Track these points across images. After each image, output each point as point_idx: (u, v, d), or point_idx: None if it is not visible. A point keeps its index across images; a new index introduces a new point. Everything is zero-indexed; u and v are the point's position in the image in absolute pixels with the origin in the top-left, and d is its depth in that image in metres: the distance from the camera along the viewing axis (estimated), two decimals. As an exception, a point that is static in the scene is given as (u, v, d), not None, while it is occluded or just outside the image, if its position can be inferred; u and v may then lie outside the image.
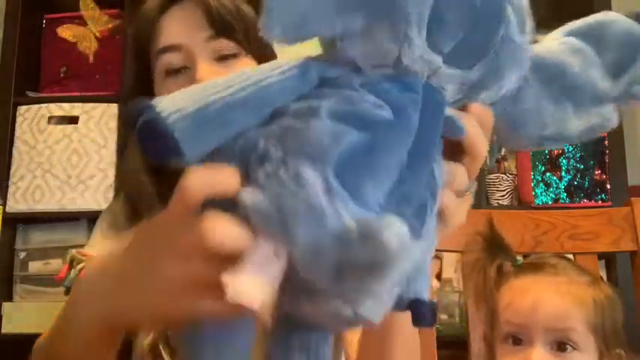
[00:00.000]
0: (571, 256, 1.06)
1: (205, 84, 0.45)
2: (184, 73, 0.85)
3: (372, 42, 0.44)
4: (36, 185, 1.95)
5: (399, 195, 0.41)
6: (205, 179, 0.42)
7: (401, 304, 0.45)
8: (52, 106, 2.00)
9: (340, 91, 0.43)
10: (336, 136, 0.40)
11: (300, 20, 0.42)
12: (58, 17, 2.10)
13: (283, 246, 0.39)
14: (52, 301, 1.88)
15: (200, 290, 0.42)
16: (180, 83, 0.83)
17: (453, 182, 0.51)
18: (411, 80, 0.44)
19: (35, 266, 1.98)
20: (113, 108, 1.99)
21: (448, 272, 1.81)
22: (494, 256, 0.94)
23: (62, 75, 2.09)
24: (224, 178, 0.41)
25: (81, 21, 2.07)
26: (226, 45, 0.85)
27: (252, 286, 0.38)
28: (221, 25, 0.84)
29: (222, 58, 0.85)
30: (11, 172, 1.97)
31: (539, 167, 1.88)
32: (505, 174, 1.95)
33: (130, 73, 0.92)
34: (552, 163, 1.88)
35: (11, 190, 1.96)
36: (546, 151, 1.88)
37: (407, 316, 0.51)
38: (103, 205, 1.88)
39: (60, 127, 1.98)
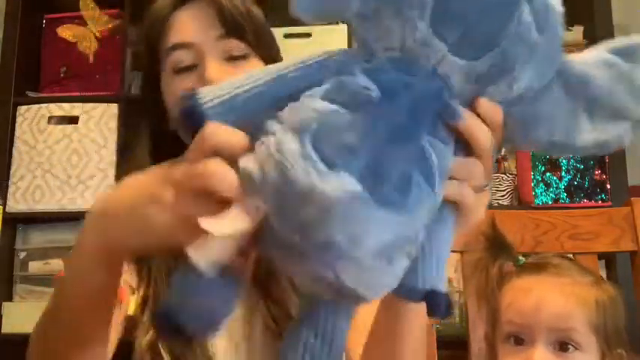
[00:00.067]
0: (571, 256, 1.06)
1: (241, 77, 0.51)
2: (193, 71, 0.85)
3: (380, 23, 0.48)
4: (36, 185, 1.95)
5: (376, 167, 0.44)
6: (221, 132, 0.48)
7: (416, 294, 0.48)
8: (52, 106, 2.00)
9: (339, 77, 0.48)
10: (320, 112, 0.45)
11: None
12: (58, 17, 2.10)
13: (261, 204, 0.44)
14: (52, 301, 1.88)
15: (185, 219, 0.47)
16: (188, 81, 0.84)
17: (471, 177, 0.52)
18: (414, 65, 0.47)
19: (35, 266, 1.98)
20: (113, 108, 1.99)
21: (448, 272, 1.81)
22: (496, 256, 0.94)
23: (62, 75, 2.09)
24: (235, 138, 0.48)
25: (81, 21, 2.07)
26: (236, 45, 0.85)
27: (223, 223, 0.44)
28: (232, 26, 0.85)
29: (232, 58, 0.85)
30: (11, 172, 1.97)
31: (539, 167, 1.88)
32: (505, 174, 1.95)
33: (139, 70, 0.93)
34: (552, 163, 1.88)
35: (11, 190, 1.96)
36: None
37: (417, 315, 0.52)
38: (103, 205, 1.88)
39: (60, 127, 1.98)
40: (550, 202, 1.86)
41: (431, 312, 0.50)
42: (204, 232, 0.44)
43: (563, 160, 1.87)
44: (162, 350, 0.80)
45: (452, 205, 0.53)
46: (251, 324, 0.85)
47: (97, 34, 2.07)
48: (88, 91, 2.04)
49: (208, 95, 0.49)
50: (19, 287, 1.97)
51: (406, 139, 0.46)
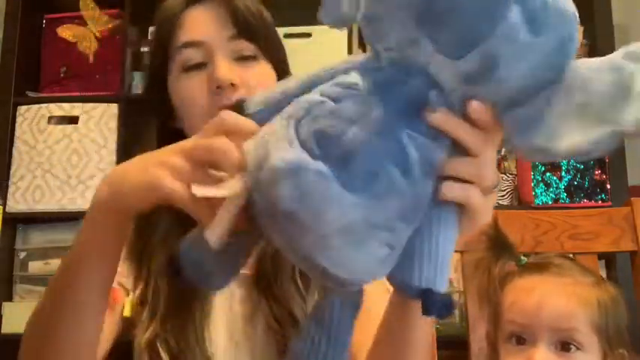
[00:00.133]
0: (571, 256, 1.06)
1: (280, 84, 0.59)
2: (202, 69, 0.85)
3: (379, 25, 0.51)
4: (36, 185, 1.95)
5: (349, 153, 0.48)
6: (236, 117, 0.57)
7: (411, 290, 0.50)
8: (52, 106, 2.00)
9: (338, 78, 0.53)
10: (309, 102, 0.51)
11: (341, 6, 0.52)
12: (58, 17, 2.10)
13: (248, 179, 0.50)
14: (52, 301, 1.88)
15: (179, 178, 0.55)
16: (197, 79, 0.85)
17: (478, 179, 0.52)
18: (407, 64, 0.50)
19: (35, 266, 1.98)
20: (113, 108, 1.99)
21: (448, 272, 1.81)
22: (498, 256, 0.94)
23: (62, 75, 2.09)
24: (245, 124, 0.56)
25: (81, 21, 2.07)
26: (246, 46, 0.86)
27: (211, 190, 0.51)
28: (244, 27, 0.86)
29: (241, 59, 0.86)
30: (11, 172, 1.97)
31: (539, 167, 1.88)
32: (505, 174, 1.95)
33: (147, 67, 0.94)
34: (552, 163, 1.88)
35: (11, 190, 1.96)
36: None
37: (426, 322, 0.53)
38: (103, 205, 1.88)
39: (60, 127, 1.98)
40: (550, 202, 1.86)
41: (425, 311, 0.51)
42: (203, 200, 0.52)
43: (563, 160, 1.87)
44: (160, 349, 0.80)
45: (456, 205, 0.53)
46: (253, 323, 0.85)
47: (97, 34, 2.07)
48: (88, 91, 2.04)
49: (254, 102, 0.59)
50: (19, 287, 1.97)
51: (384, 131, 0.48)
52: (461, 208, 0.53)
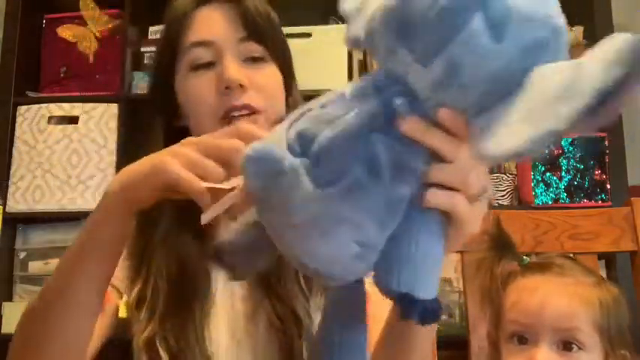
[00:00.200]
0: (572, 257, 1.06)
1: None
2: (210, 68, 0.86)
3: (371, 39, 0.54)
4: (36, 185, 1.95)
5: (324, 153, 0.52)
6: (251, 127, 0.64)
7: (390, 294, 0.52)
8: (52, 106, 2.00)
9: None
10: (306, 108, 0.57)
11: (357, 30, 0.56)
12: (58, 17, 2.10)
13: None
14: (52, 301, 1.88)
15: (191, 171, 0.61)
16: (205, 78, 0.85)
17: (464, 187, 0.52)
18: (390, 75, 0.53)
19: (35, 266, 1.98)
20: (113, 108, 1.99)
21: (448, 272, 1.81)
22: (501, 255, 0.94)
23: (62, 75, 2.09)
24: (260, 133, 0.62)
25: (81, 21, 2.07)
26: (255, 48, 0.87)
27: (217, 185, 0.59)
28: (254, 29, 0.87)
29: (249, 60, 0.87)
30: (11, 172, 1.97)
31: (539, 167, 1.88)
32: (505, 174, 1.95)
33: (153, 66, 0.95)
34: (552, 163, 1.88)
35: (11, 190, 1.96)
36: (546, 151, 1.88)
37: (430, 328, 0.54)
38: (103, 205, 1.88)
39: (60, 127, 1.98)
40: (550, 202, 1.86)
41: (401, 314, 0.52)
42: (203, 189, 0.59)
43: (563, 160, 1.87)
44: (159, 348, 0.80)
45: (443, 215, 0.53)
46: (255, 321, 0.85)
47: (97, 34, 2.07)
48: (88, 91, 2.04)
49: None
50: (19, 287, 1.97)
51: (356, 134, 0.51)
52: (447, 218, 0.53)
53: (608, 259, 1.72)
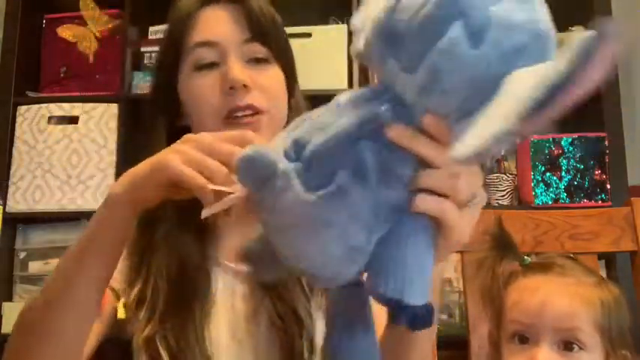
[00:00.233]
0: (572, 257, 1.06)
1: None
2: (213, 69, 0.86)
3: (369, 50, 0.56)
4: (36, 185, 1.95)
5: (315, 158, 0.53)
6: (255, 136, 0.66)
7: (378, 298, 0.52)
8: (52, 106, 2.00)
9: None
10: (304, 117, 0.59)
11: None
12: (58, 17, 2.10)
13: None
14: (52, 301, 1.88)
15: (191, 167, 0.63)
16: (208, 78, 0.86)
17: (453, 192, 0.52)
18: (381, 83, 0.56)
19: (35, 266, 1.98)
20: (113, 108, 1.99)
21: (448, 272, 1.81)
22: (502, 255, 0.94)
23: (62, 75, 2.09)
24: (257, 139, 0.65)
25: (81, 21, 2.07)
26: (259, 49, 0.88)
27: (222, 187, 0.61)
28: (259, 30, 0.87)
29: (253, 61, 0.87)
30: (11, 172, 1.97)
31: (539, 167, 1.88)
32: (505, 174, 1.95)
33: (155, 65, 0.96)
34: (552, 163, 1.88)
35: (11, 190, 1.96)
36: (546, 151, 1.88)
37: (424, 332, 0.54)
38: (103, 205, 1.88)
39: (60, 127, 1.98)
40: (550, 202, 1.86)
41: (393, 320, 0.52)
42: (205, 184, 0.61)
43: (563, 160, 1.87)
44: (159, 347, 0.80)
45: (432, 221, 0.53)
46: (255, 321, 0.85)
47: (97, 34, 2.07)
48: (88, 91, 2.04)
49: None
50: (19, 287, 1.97)
51: (345, 140, 0.53)
52: (437, 224, 0.54)
53: (608, 259, 1.72)
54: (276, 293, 0.84)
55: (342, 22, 2.02)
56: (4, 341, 0.76)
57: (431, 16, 0.49)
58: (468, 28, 0.48)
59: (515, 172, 1.96)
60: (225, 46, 0.86)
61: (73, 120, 1.99)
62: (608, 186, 1.84)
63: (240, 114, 0.84)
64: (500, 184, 1.94)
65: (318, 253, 0.53)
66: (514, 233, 1.00)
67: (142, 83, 2.02)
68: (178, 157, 0.64)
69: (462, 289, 1.28)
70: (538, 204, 1.85)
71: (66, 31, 2.06)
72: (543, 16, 0.51)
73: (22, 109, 2.01)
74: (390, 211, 0.52)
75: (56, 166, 1.96)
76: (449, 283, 1.83)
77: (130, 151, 1.96)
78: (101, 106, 1.99)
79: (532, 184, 1.87)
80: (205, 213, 0.61)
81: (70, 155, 1.96)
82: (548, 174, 1.87)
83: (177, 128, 0.88)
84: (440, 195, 0.53)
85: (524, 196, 1.91)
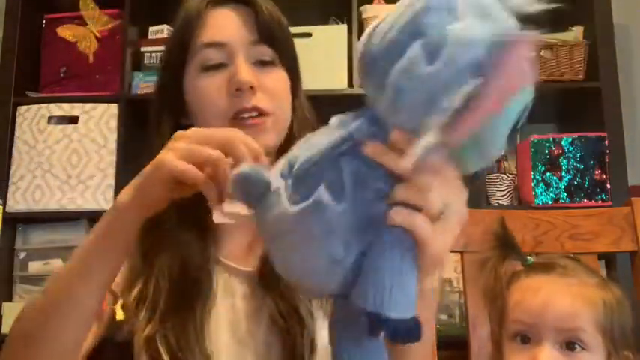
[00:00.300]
0: (573, 257, 1.06)
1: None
2: (220, 69, 0.87)
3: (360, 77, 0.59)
4: (36, 185, 1.95)
5: (304, 175, 0.56)
6: (253, 141, 0.68)
7: (360, 311, 0.53)
8: (52, 106, 2.00)
9: None
10: (306, 138, 0.61)
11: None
12: (58, 17, 2.11)
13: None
14: (52, 301, 1.88)
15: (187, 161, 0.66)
16: (215, 79, 0.86)
17: (424, 205, 0.54)
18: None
19: (35, 266, 1.98)
20: (113, 108, 1.99)
21: (448, 272, 1.81)
22: (505, 255, 0.94)
23: (62, 75, 2.09)
24: (257, 148, 0.67)
25: (81, 21, 2.07)
26: (266, 52, 0.88)
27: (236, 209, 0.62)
28: (267, 33, 0.88)
29: (260, 63, 0.88)
30: (11, 172, 1.97)
31: (539, 167, 1.88)
32: (505, 174, 1.95)
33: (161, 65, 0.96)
34: (552, 163, 1.88)
35: (11, 190, 1.96)
36: (546, 151, 1.88)
37: (416, 346, 0.54)
38: (103, 205, 1.88)
39: (60, 127, 1.99)
40: (550, 202, 1.86)
41: (372, 333, 0.52)
42: (202, 176, 0.65)
43: (563, 160, 1.87)
44: (160, 346, 0.80)
45: (407, 232, 0.54)
46: (256, 320, 0.85)
47: (97, 34, 2.07)
48: (88, 91, 2.04)
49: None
50: (19, 287, 1.98)
51: (328, 157, 0.56)
52: (414, 238, 0.54)
53: (608, 259, 1.72)
54: (278, 292, 0.84)
55: (342, 22, 2.02)
56: (3, 341, 0.76)
57: (393, 38, 0.53)
58: (426, 47, 0.51)
59: (515, 172, 1.97)
60: (232, 47, 0.87)
61: (73, 120, 1.99)
62: (608, 186, 1.84)
63: (246, 115, 0.85)
64: (500, 184, 1.94)
65: (300, 264, 0.56)
66: (514, 233, 1.00)
67: (141, 83, 2.02)
68: (172, 154, 0.67)
69: (462, 289, 1.28)
70: (538, 204, 1.85)
71: (66, 31, 2.07)
72: (504, 27, 0.52)
73: (22, 109, 2.01)
74: (370, 224, 0.54)
75: (56, 166, 1.96)
76: (449, 283, 1.83)
77: (130, 151, 1.96)
78: (101, 106, 1.99)
79: (532, 184, 1.87)
80: (217, 220, 0.64)
81: (70, 155, 1.96)
82: (548, 174, 1.87)
83: (181, 127, 0.88)
84: (409, 207, 0.54)
85: (524, 196, 1.91)
